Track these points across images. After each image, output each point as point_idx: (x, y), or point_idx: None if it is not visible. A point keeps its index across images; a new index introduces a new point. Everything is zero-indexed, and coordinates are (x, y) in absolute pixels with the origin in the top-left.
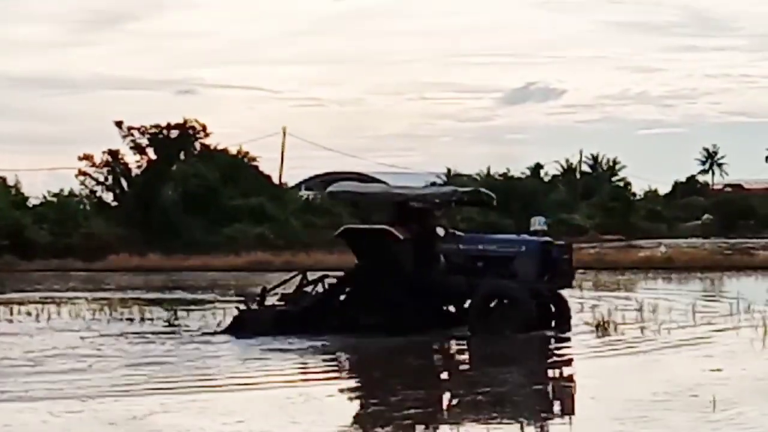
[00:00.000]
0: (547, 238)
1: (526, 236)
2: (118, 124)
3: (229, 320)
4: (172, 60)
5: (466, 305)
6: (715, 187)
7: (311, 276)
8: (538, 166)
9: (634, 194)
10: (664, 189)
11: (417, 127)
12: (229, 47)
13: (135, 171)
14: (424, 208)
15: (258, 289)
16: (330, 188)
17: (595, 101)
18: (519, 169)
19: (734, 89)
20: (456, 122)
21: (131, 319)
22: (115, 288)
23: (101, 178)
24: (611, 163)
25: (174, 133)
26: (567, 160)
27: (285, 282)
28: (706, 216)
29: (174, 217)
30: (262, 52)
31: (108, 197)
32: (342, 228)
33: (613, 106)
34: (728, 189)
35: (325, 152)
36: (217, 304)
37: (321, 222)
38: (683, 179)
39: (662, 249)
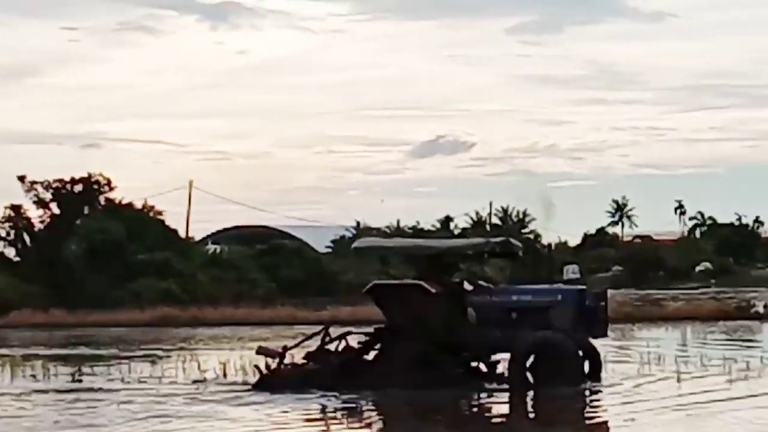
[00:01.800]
0: (583, 286)
1: (560, 285)
2: (21, 178)
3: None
4: (76, 114)
5: (493, 359)
6: (625, 238)
7: (334, 333)
8: (448, 219)
9: (543, 246)
10: (574, 241)
11: (325, 180)
12: (134, 101)
13: (38, 226)
14: (450, 262)
15: (278, 347)
16: (356, 244)
17: (504, 154)
18: (429, 221)
19: (642, 142)
20: (365, 175)
21: (34, 376)
22: (18, 345)
23: (3, 234)
24: (521, 216)
25: (78, 188)
26: (477, 213)
27: (307, 339)
28: (616, 267)
29: (78, 273)
30: (166, 105)
31: (10, 253)
32: (371, 284)
33: (522, 159)
34: (638, 240)
35: (232, 206)
36: (121, 360)
37: (228, 276)
38: (593, 231)
39: None
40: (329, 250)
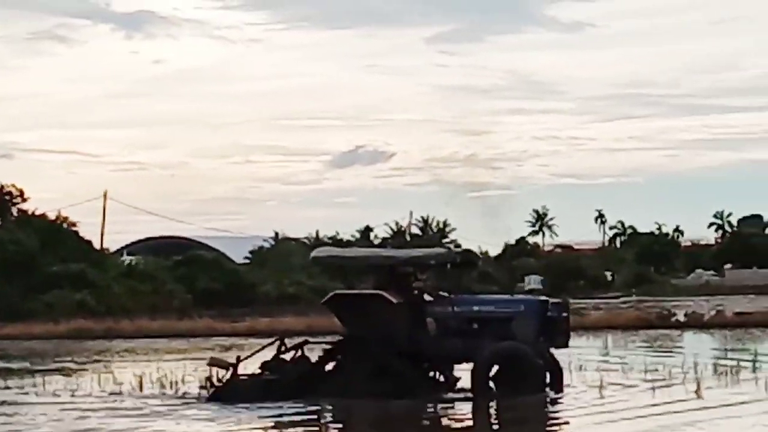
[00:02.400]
0: (545, 297)
1: (522, 296)
2: None
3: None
4: None
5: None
6: (546, 248)
7: (289, 342)
8: (367, 229)
9: None
10: (494, 251)
11: (243, 190)
12: (47, 111)
13: None
14: (408, 272)
15: (231, 358)
16: (313, 253)
17: (423, 164)
18: (348, 232)
19: (562, 151)
20: (283, 185)
21: None
22: None
23: None
24: (441, 226)
25: None
26: (397, 223)
27: (261, 349)
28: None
29: None
30: (81, 115)
31: None
32: (331, 294)
33: (442, 169)
34: (558, 250)
35: (148, 216)
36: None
37: (144, 288)
38: (514, 241)
39: None
40: (247, 260)
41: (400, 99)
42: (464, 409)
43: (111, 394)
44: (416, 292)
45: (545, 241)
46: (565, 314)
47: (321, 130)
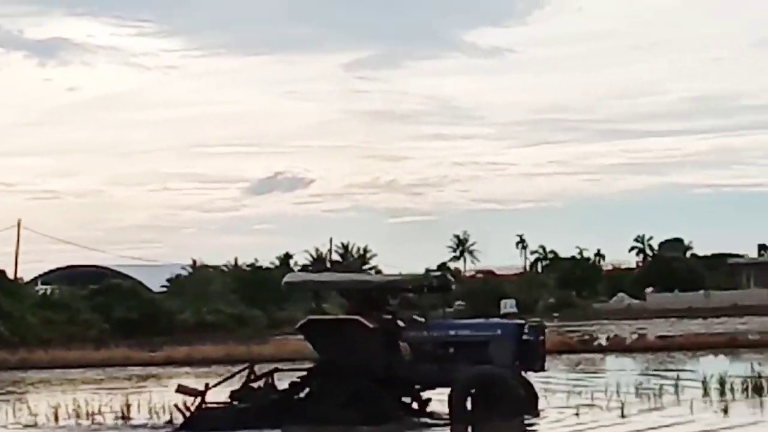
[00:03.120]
0: (520, 321)
1: (497, 319)
2: None
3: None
4: None
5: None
6: (467, 273)
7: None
8: (287, 256)
9: None
10: None
11: (160, 218)
12: None
13: None
14: (381, 297)
15: (200, 386)
16: (287, 279)
17: (343, 190)
18: (268, 259)
19: (482, 176)
20: (201, 213)
21: None
22: None
23: None
24: (362, 252)
25: None
26: (317, 249)
27: (231, 377)
28: (458, 303)
29: None
30: None
31: None
32: (305, 320)
33: (362, 195)
34: (480, 275)
35: (63, 245)
36: None
37: (59, 317)
38: (434, 266)
39: None
40: (165, 289)
41: (319, 125)
42: None
43: (26, 426)
44: (389, 316)
45: (466, 266)
46: (541, 337)
47: (239, 156)
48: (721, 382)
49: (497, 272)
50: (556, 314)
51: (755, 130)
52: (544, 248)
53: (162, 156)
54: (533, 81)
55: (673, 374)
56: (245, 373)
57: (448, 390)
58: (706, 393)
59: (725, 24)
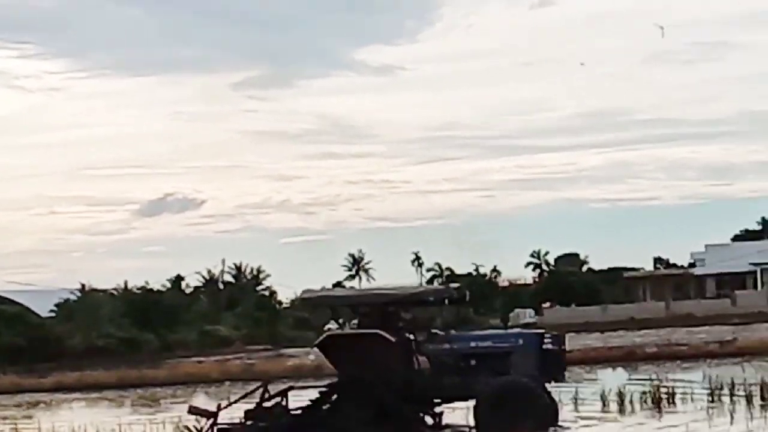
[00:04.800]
0: (541, 330)
1: (518, 330)
2: None
3: None
4: None
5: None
6: None
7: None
8: (178, 278)
9: (280, 302)
10: None
11: (48, 242)
12: None
13: None
14: (396, 311)
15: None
16: (303, 294)
17: (235, 210)
18: (159, 281)
19: (376, 195)
20: (89, 236)
21: None
22: None
23: None
24: (255, 272)
25: None
26: (209, 271)
27: (244, 396)
28: (353, 322)
29: None
30: None
31: None
32: (325, 335)
33: (254, 215)
34: None
35: None
36: None
37: None
38: (330, 286)
39: (311, 357)
40: (53, 314)
41: (209, 145)
42: None
43: None
44: (404, 330)
45: (362, 285)
46: (562, 347)
47: (127, 178)
48: (620, 395)
49: None
50: (453, 331)
51: (648, 145)
52: (440, 265)
53: (48, 179)
54: (425, 98)
55: (571, 388)
56: (258, 392)
57: (466, 403)
58: (605, 405)
59: (615, 40)
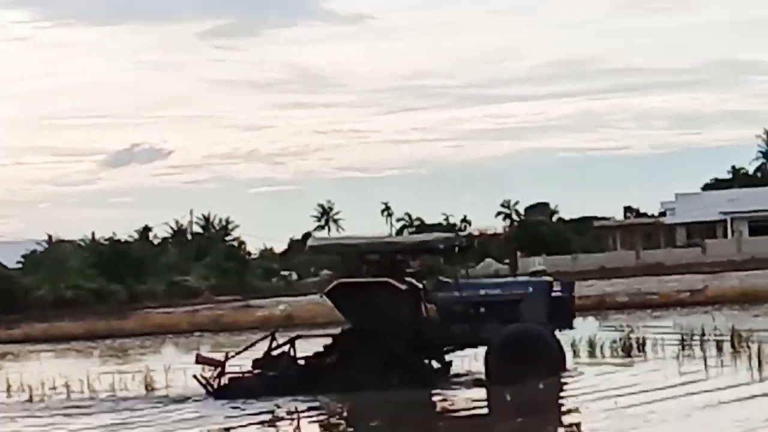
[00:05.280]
0: (550, 278)
1: (527, 278)
2: None
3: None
4: None
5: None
6: None
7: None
8: (146, 229)
9: (249, 253)
10: (280, 247)
11: (14, 193)
12: None
13: None
14: (404, 260)
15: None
16: (310, 242)
17: (203, 161)
18: (126, 232)
19: (345, 145)
20: (56, 187)
21: None
22: None
23: None
24: (224, 223)
25: None
26: (177, 222)
27: (251, 345)
28: (324, 272)
29: None
30: None
31: None
32: (335, 283)
33: (222, 165)
34: None
35: None
36: None
37: None
38: (299, 236)
39: (281, 307)
40: (20, 265)
41: (176, 95)
42: (480, 394)
43: None
44: (412, 278)
45: (332, 235)
46: (571, 294)
47: (94, 129)
48: (591, 344)
49: None
50: (424, 281)
51: (618, 94)
52: (409, 216)
53: (13, 130)
54: (394, 48)
55: None
56: (266, 341)
57: (473, 351)
58: (576, 355)
59: None
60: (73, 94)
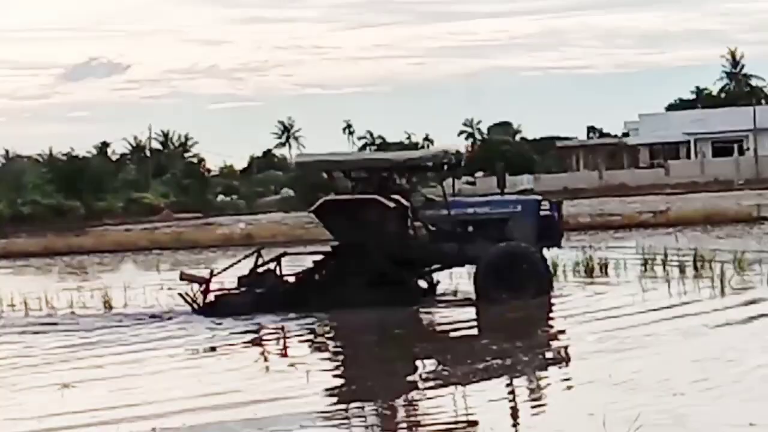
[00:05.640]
0: (538, 196)
1: (515, 196)
2: None
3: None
4: None
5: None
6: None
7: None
8: (104, 145)
9: (209, 170)
10: (240, 164)
11: None
12: None
13: None
14: (391, 177)
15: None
16: (297, 159)
17: (161, 76)
18: (84, 148)
19: (306, 61)
20: (11, 101)
21: None
22: None
23: None
24: (183, 140)
25: None
26: (135, 138)
27: (237, 263)
28: (285, 190)
29: None
30: None
31: None
32: (321, 200)
33: (181, 81)
34: None
35: None
36: None
37: None
38: (260, 154)
39: (241, 226)
40: None
41: (134, 9)
42: (470, 312)
43: None
44: (401, 196)
45: (292, 153)
46: (559, 213)
47: (50, 42)
48: (553, 265)
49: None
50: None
51: (582, 12)
52: (371, 133)
53: None
54: None
55: None
56: (251, 258)
57: (460, 269)
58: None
59: None
60: (30, 6)
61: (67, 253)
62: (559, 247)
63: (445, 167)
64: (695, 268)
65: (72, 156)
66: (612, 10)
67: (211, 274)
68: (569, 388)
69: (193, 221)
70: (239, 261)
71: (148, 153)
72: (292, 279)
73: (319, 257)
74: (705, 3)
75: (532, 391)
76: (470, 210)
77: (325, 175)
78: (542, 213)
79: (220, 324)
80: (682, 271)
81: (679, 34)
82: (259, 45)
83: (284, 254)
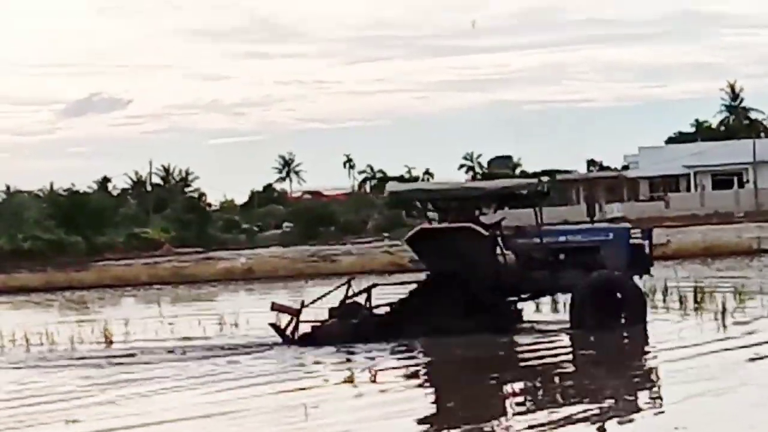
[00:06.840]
0: (629, 225)
1: (606, 224)
2: None
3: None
4: None
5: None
6: (294, 194)
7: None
8: (105, 180)
9: (209, 204)
10: (240, 198)
11: None
12: None
13: None
14: (479, 206)
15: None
16: (390, 188)
17: (162, 111)
18: (85, 183)
19: (307, 95)
20: (13, 136)
21: None
22: None
23: None
24: (184, 174)
25: None
26: (136, 173)
27: (327, 294)
28: (286, 224)
29: None
30: None
31: None
32: (417, 229)
33: (182, 116)
34: (307, 196)
35: None
36: None
37: None
38: (260, 188)
39: (242, 260)
40: None
41: (136, 44)
42: (564, 341)
43: None
44: (492, 225)
45: (293, 187)
46: (650, 241)
47: (51, 77)
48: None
49: (325, 192)
50: (386, 234)
51: (582, 45)
52: (371, 167)
53: None
54: None
55: None
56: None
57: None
58: (537, 309)
59: None
60: (31, 41)
61: (67, 288)
62: (650, 275)
63: (537, 195)
64: (695, 300)
65: (73, 191)
66: (612, 44)
67: (302, 305)
68: None
69: (194, 256)
70: (330, 292)
71: (148, 188)
72: (381, 309)
73: (413, 286)
74: (705, 37)
75: None
76: (562, 238)
77: (418, 204)
78: (633, 241)
79: (303, 353)
80: (681, 303)
81: (679, 68)
82: (260, 80)
83: (374, 285)
